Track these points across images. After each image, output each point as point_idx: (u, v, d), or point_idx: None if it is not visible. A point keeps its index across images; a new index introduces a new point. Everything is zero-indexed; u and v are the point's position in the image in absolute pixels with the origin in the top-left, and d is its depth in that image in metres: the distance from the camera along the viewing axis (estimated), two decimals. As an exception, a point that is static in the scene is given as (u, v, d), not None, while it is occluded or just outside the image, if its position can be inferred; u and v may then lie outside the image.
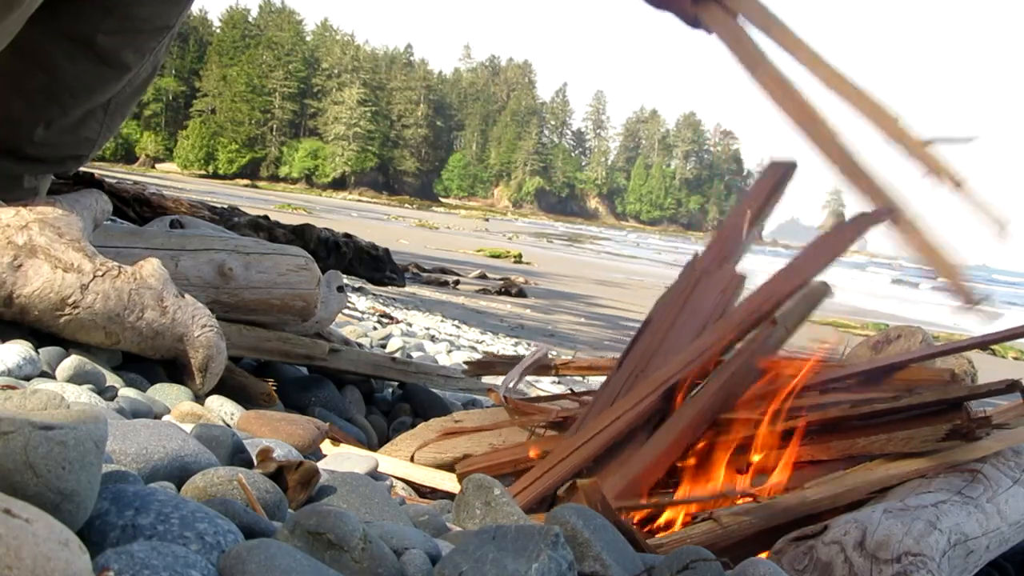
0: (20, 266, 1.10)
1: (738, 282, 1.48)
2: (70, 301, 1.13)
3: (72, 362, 1.13)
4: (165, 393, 1.21)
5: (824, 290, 1.46)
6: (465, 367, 1.87)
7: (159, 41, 1.44)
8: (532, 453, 1.35)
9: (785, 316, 1.37)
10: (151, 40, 1.43)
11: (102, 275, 1.15)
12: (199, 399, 1.26)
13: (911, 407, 1.16)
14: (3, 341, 1.09)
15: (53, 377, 1.09)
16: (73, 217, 1.16)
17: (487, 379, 1.96)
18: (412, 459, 1.46)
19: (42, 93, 1.38)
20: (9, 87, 1.34)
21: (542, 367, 1.92)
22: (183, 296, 1.25)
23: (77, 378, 1.10)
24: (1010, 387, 1.11)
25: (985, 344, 1.35)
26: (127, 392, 1.14)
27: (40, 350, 1.11)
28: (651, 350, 1.40)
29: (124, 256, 1.24)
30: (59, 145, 1.47)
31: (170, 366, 1.30)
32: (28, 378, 1.05)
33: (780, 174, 1.61)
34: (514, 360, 1.99)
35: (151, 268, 1.22)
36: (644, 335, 1.44)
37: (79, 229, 1.16)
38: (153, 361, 1.28)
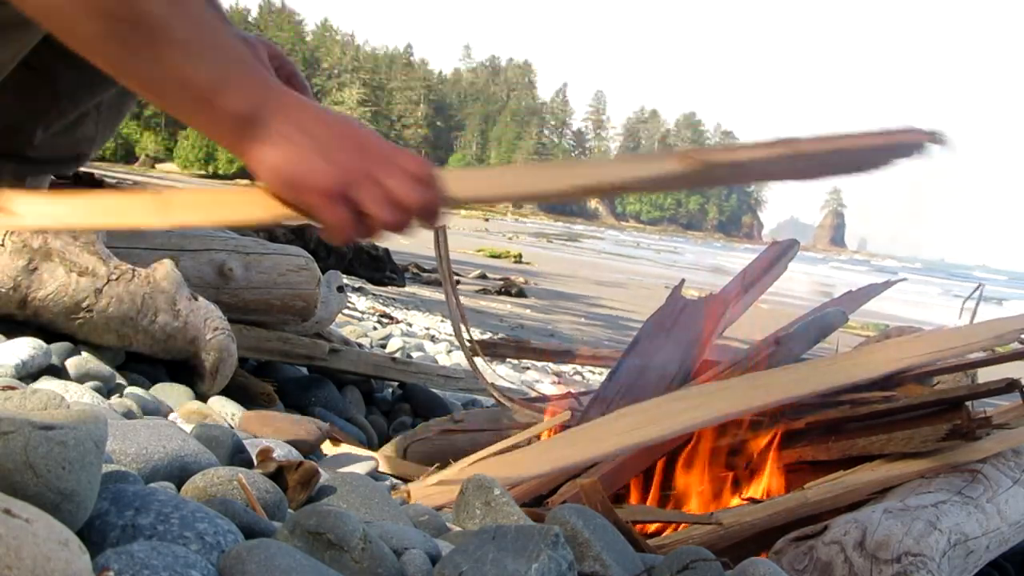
0: (35, 269, 1.10)
1: (723, 307, 1.53)
2: (84, 305, 1.13)
3: (81, 360, 1.13)
4: (168, 392, 1.21)
5: (839, 319, 1.48)
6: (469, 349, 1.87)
7: None
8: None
9: (793, 338, 1.39)
10: None
11: (116, 279, 1.16)
12: (201, 398, 1.26)
13: (910, 407, 1.16)
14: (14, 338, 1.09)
15: (63, 372, 1.10)
16: None
17: (487, 373, 1.96)
18: (404, 455, 1.46)
19: (44, 99, 1.38)
20: (15, 98, 1.35)
21: (546, 353, 1.94)
22: (196, 299, 1.25)
23: (85, 376, 1.10)
24: (1009, 387, 1.12)
25: (989, 364, 1.35)
26: (134, 390, 1.15)
27: (51, 346, 1.11)
28: (640, 368, 1.43)
29: (124, 257, 1.24)
30: (58, 146, 1.48)
31: (171, 365, 1.30)
32: (39, 371, 1.05)
33: (780, 251, 1.67)
34: (520, 343, 1.99)
35: (164, 271, 1.22)
36: (632, 353, 1.47)
37: (94, 231, 1.16)
38: (156, 360, 1.28)
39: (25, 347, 1.04)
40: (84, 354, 1.15)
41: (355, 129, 0.92)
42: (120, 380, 1.17)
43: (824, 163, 1.03)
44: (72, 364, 1.12)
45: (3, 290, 1.08)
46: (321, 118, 0.91)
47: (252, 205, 0.93)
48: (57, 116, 1.43)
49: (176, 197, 0.93)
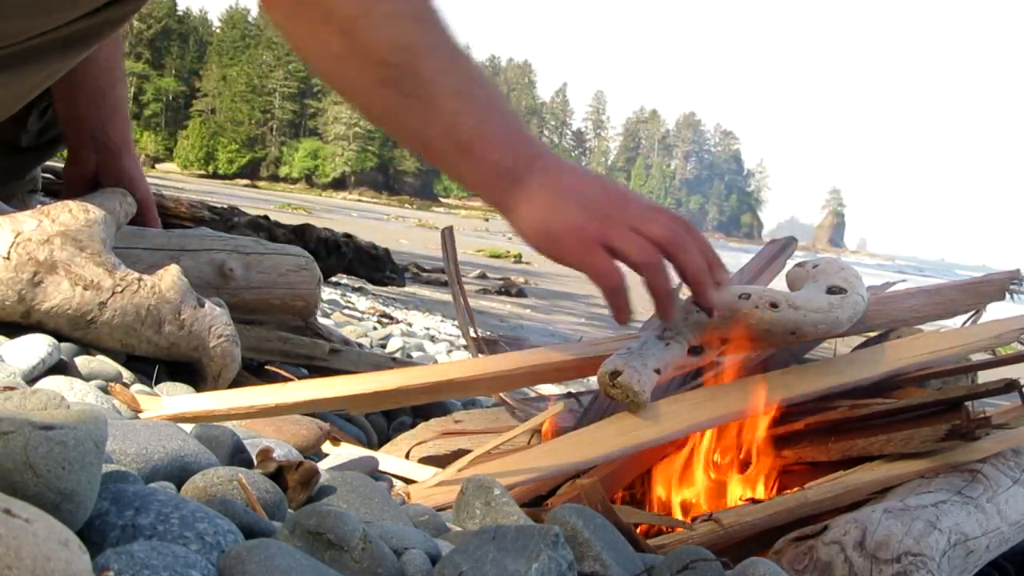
0: (40, 283, 1.10)
1: None
2: (88, 318, 1.13)
3: (88, 358, 1.14)
4: (171, 392, 1.22)
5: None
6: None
7: (126, 22, 1.50)
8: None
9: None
10: (121, 24, 1.48)
11: (121, 291, 1.16)
12: (200, 399, 1.26)
13: (910, 408, 1.16)
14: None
15: (70, 369, 1.10)
16: (96, 227, 1.16)
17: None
18: (407, 456, 1.46)
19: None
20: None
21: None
22: (202, 305, 1.25)
23: (92, 375, 1.12)
24: (1008, 387, 1.12)
25: (991, 366, 1.35)
26: (139, 387, 1.15)
27: (61, 344, 1.13)
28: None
29: (123, 255, 1.24)
30: (48, 127, 1.51)
31: (172, 363, 1.31)
32: (50, 370, 1.06)
33: (778, 249, 1.69)
34: (519, 340, 2.00)
35: (171, 280, 1.22)
36: None
37: (101, 240, 1.16)
38: (156, 359, 1.29)
39: (42, 344, 1.05)
40: (92, 353, 1.16)
41: (615, 186, 0.96)
42: (126, 379, 1.17)
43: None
44: (80, 362, 1.13)
45: (7, 303, 1.08)
46: (583, 178, 0.95)
47: (347, 384, 1.15)
48: (43, 98, 1.45)
49: (292, 385, 1.17)
